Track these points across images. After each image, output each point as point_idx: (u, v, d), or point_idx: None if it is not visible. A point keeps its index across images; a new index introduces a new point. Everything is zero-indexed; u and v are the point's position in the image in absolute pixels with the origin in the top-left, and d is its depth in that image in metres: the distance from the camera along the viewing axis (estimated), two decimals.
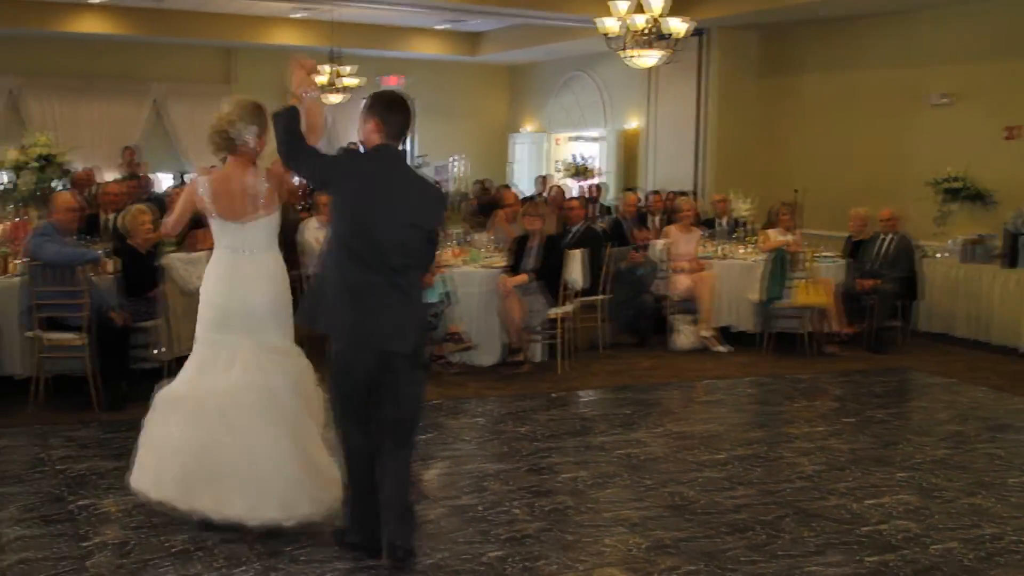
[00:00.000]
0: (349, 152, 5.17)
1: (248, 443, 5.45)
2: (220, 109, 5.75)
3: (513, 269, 9.95)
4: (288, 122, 5.17)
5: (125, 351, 8.33)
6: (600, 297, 10.92)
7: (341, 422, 5.26)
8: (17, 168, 9.16)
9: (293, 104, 5.28)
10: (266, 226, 5.73)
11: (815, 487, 6.74)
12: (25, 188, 9.17)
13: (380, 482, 5.10)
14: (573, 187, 19.57)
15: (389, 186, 5.05)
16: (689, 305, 11.54)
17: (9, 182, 9.73)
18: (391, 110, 5.15)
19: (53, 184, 10.18)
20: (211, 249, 9.18)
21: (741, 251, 12.19)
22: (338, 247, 5.09)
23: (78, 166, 15.68)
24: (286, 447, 5.49)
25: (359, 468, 5.18)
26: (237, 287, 5.67)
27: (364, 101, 5.25)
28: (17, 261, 8.75)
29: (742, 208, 13.04)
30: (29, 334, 8.23)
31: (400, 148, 5.27)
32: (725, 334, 11.54)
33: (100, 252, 8.65)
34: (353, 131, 23.15)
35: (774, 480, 6.87)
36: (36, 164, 9.04)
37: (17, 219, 10.02)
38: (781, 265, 11.06)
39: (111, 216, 10.79)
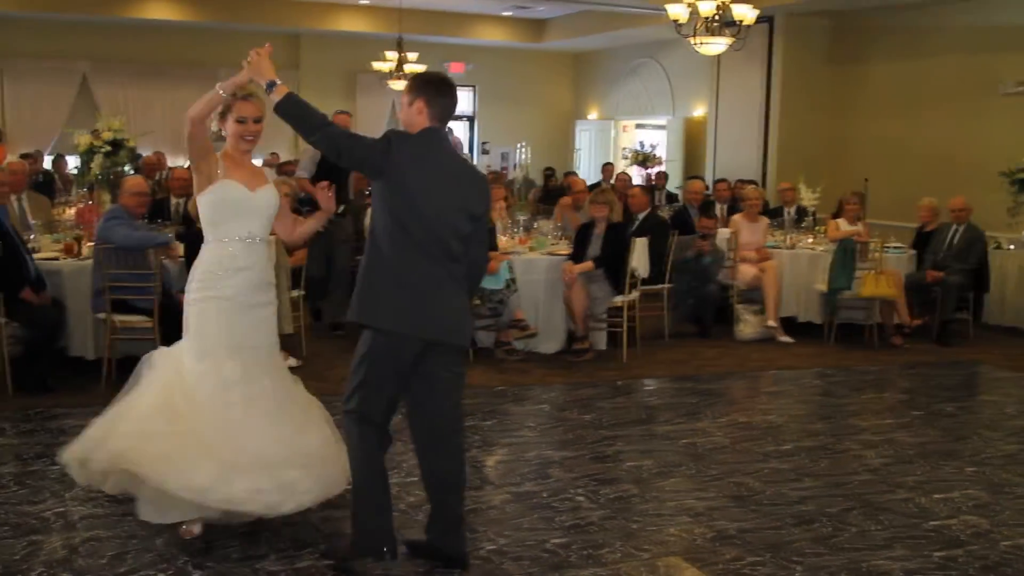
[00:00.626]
0: (399, 135, 4.84)
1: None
2: None
3: (577, 256, 9.93)
4: (302, 109, 4.84)
5: None
6: (664, 286, 10.88)
7: (357, 423, 4.92)
8: (90, 152, 9.28)
9: (284, 88, 4.86)
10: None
11: (882, 480, 6.67)
12: (97, 172, 9.29)
13: (433, 485, 5.05)
14: (637, 175, 19.50)
15: (443, 171, 4.85)
16: (754, 295, 11.46)
17: (83, 165, 9.85)
18: (439, 92, 4.89)
19: (124, 168, 10.30)
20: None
21: (808, 240, 12.08)
22: (392, 236, 4.77)
23: (147, 151, 15.89)
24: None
25: (378, 472, 4.98)
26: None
27: (408, 83, 4.98)
28: (88, 244, 8.86)
29: (809, 197, 12.92)
30: (99, 316, 8.34)
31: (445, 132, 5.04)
32: (790, 324, 11.45)
33: (169, 236, 8.74)
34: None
35: (840, 472, 6.81)
36: (107, 148, 9.15)
37: (88, 203, 10.15)
38: (849, 255, 10.95)
39: (180, 200, 10.91)
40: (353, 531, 5.01)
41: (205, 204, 5.30)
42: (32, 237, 9.26)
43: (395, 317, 4.79)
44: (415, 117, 4.88)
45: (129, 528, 5.44)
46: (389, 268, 4.79)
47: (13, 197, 9.57)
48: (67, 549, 5.15)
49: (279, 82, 4.89)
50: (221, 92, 5.17)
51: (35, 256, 8.59)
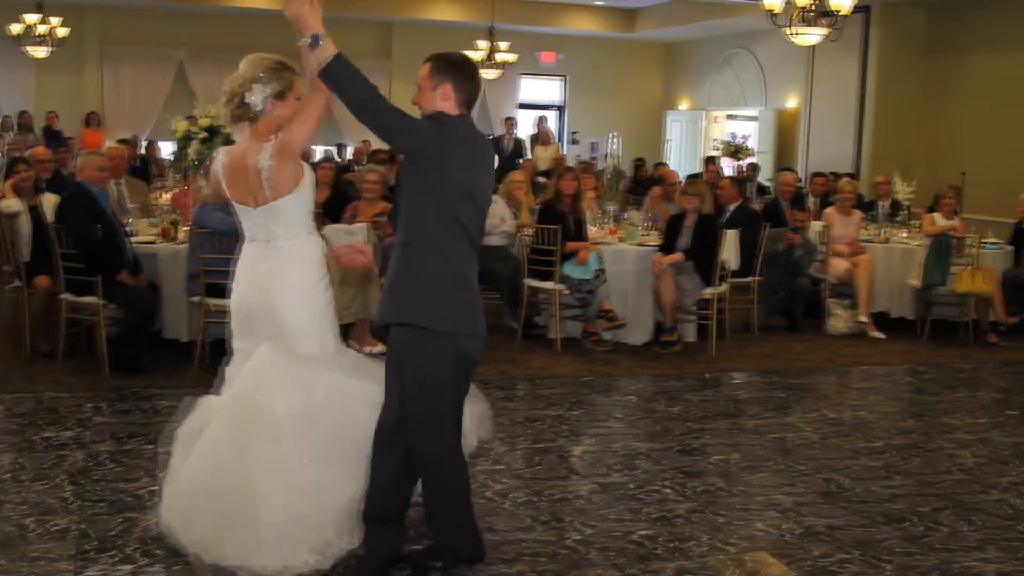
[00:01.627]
0: (451, 119, 4.37)
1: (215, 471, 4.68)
2: (240, 71, 4.83)
3: (668, 248, 9.88)
4: (354, 74, 4.30)
5: None
6: (754, 278, 10.79)
7: (448, 436, 4.59)
8: (186, 138, 9.41)
9: (333, 49, 4.29)
10: (283, 210, 4.79)
11: (975, 480, 6.56)
12: (193, 158, 9.42)
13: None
14: (728, 166, 19.34)
15: (484, 160, 4.57)
16: (846, 289, 11.32)
17: (179, 150, 9.99)
18: (466, 75, 4.48)
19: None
20: (371, 221, 9.38)
21: (902, 235, 11.90)
22: (449, 228, 4.38)
23: (240, 138, 16.07)
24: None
25: (463, 485, 4.72)
26: (255, 285, 4.88)
27: (428, 64, 4.50)
28: (184, 228, 9.00)
29: (904, 191, 12.72)
30: (194, 299, 8.48)
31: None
32: (882, 320, 11.30)
33: None
34: (507, 106, 23.27)
35: (932, 471, 6.71)
36: (204, 135, 9.28)
37: (184, 188, 10.31)
38: (945, 250, 10.77)
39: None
40: (457, 536, 4.79)
41: (306, 196, 4.89)
42: (129, 221, 9.43)
43: (469, 318, 4.49)
44: (439, 103, 4.45)
45: None
46: (442, 260, 4.42)
47: (112, 182, 9.74)
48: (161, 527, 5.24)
49: (324, 36, 4.28)
50: (307, 40, 4.31)
51: (132, 240, 8.76)
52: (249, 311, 4.93)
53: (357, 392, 4.81)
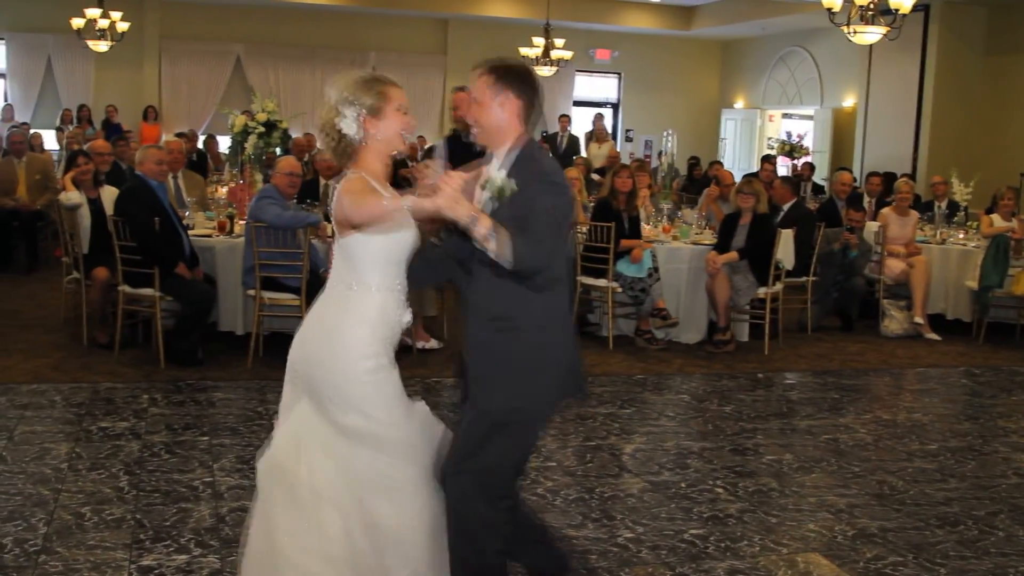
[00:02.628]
0: (544, 161, 3.83)
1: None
2: (324, 101, 3.98)
3: (722, 247, 9.84)
4: (534, 243, 3.64)
5: None
6: (808, 278, 10.72)
7: (505, 497, 3.98)
8: (244, 132, 9.50)
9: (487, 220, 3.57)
10: (343, 249, 3.92)
11: None
12: (250, 152, 9.51)
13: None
14: (783, 166, 19.21)
15: None
16: (901, 290, 11.22)
17: (236, 145, 10.09)
18: (537, 91, 3.95)
19: (276, 150, 10.53)
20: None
21: (959, 236, 11.78)
22: (554, 270, 3.89)
23: (297, 132, 16.22)
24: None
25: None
26: (309, 330, 4.00)
27: (488, 73, 3.90)
28: (240, 222, 9.08)
29: (961, 191, 12.59)
30: (250, 292, 8.54)
31: None
32: (938, 322, 11.19)
33: (319, 216, 8.90)
34: (562, 103, 23.26)
35: (988, 475, 6.64)
36: (261, 129, 9.36)
37: (241, 182, 10.40)
38: (1002, 252, 10.64)
39: (329, 182, 11.11)
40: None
41: (378, 243, 3.85)
42: (187, 214, 9.53)
43: (564, 370, 3.99)
44: (509, 120, 3.88)
45: None
46: (561, 313, 4.00)
47: (170, 175, 9.84)
48: (215, 518, 5.30)
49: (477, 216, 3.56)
50: (399, 208, 3.61)
51: (189, 233, 8.84)
52: (293, 356, 4.01)
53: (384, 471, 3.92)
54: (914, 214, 11.66)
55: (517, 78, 3.90)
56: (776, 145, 20.28)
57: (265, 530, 3.90)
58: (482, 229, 3.51)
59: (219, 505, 5.49)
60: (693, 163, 18.65)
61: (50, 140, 18.81)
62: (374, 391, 3.89)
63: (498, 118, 3.86)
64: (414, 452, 3.94)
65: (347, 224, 3.84)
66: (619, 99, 24.59)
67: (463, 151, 8.15)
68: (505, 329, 3.87)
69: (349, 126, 3.88)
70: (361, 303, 3.89)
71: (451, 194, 3.48)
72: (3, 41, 21.44)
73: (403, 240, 3.91)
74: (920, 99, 17.44)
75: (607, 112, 24.22)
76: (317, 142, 4.29)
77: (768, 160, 17.68)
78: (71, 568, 4.64)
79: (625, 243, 9.67)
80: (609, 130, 23.30)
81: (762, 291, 9.78)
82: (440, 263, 4.16)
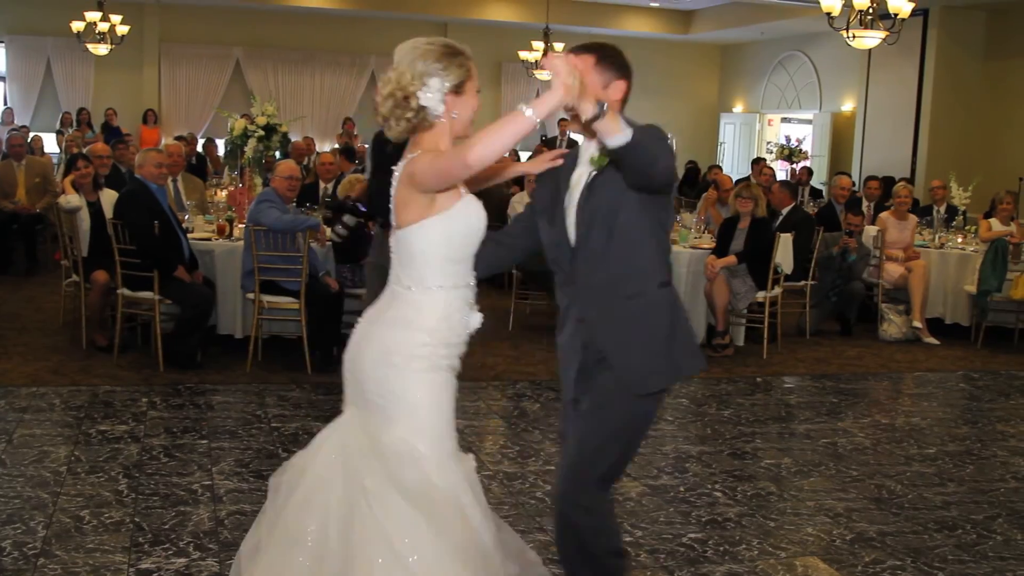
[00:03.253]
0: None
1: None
2: (394, 69, 3.52)
3: (721, 251, 9.84)
4: (656, 138, 3.44)
5: (337, 316, 8.56)
6: (807, 282, 10.72)
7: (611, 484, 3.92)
8: (243, 136, 9.51)
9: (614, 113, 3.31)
10: (406, 244, 3.55)
11: None
12: (250, 156, 9.53)
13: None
14: (781, 170, 19.24)
15: None
16: (900, 294, 11.23)
17: (235, 148, 10.11)
18: (631, 72, 3.80)
19: (275, 153, 10.55)
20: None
21: (958, 240, 11.79)
22: (665, 257, 3.83)
23: (296, 136, 16.23)
24: None
25: None
26: (358, 331, 3.68)
27: (589, 54, 3.69)
28: (240, 226, 9.08)
29: (960, 196, 12.60)
30: (249, 296, 8.55)
31: None
32: (936, 326, 11.20)
33: (318, 220, 8.91)
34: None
35: (986, 479, 6.64)
36: (261, 133, 9.37)
37: (240, 185, 10.41)
38: (1001, 256, 10.65)
39: (328, 185, 11.12)
40: None
41: (438, 233, 3.51)
42: (186, 218, 9.54)
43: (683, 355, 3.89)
44: (618, 102, 3.72)
45: None
46: (673, 294, 3.89)
47: (170, 179, 9.85)
48: (214, 521, 5.30)
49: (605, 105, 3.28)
50: (534, 117, 3.22)
51: (188, 236, 8.85)
52: (345, 363, 3.70)
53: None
54: (913, 218, 11.67)
55: (620, 59, 3.75)
56: (775, 149, 20.30)
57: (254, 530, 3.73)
58: (610, 118, 3.24)
59: (218, 508, 5.49)
60: (691, 167, 18.66)
61: (50, 143, 18.84)
62: (425, 392, 3.51)
63: (610, 94, 3.67)
64: (456, 512, 3.45)
65: (412, 205, 3.45)
66: None
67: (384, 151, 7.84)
68: (635, 295, 3.71)
69: (432, 100, 3.45)
70: (420, 305, 3.53)
71: (576, 83, 3.14)
72: (3, 44, 21.48)
73: (469, 229, 3.56)
74: (919, 103, 17.45)
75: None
76: (380, 108, 3.41)
77: (759, 162, 17.73)
78: (70, 571, 4.64)
79: None
80: None
81: (761, 295, 9.79)
82: (513, 246, 4.02)
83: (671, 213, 3.86)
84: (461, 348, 3.65)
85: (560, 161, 3.84)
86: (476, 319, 3.68)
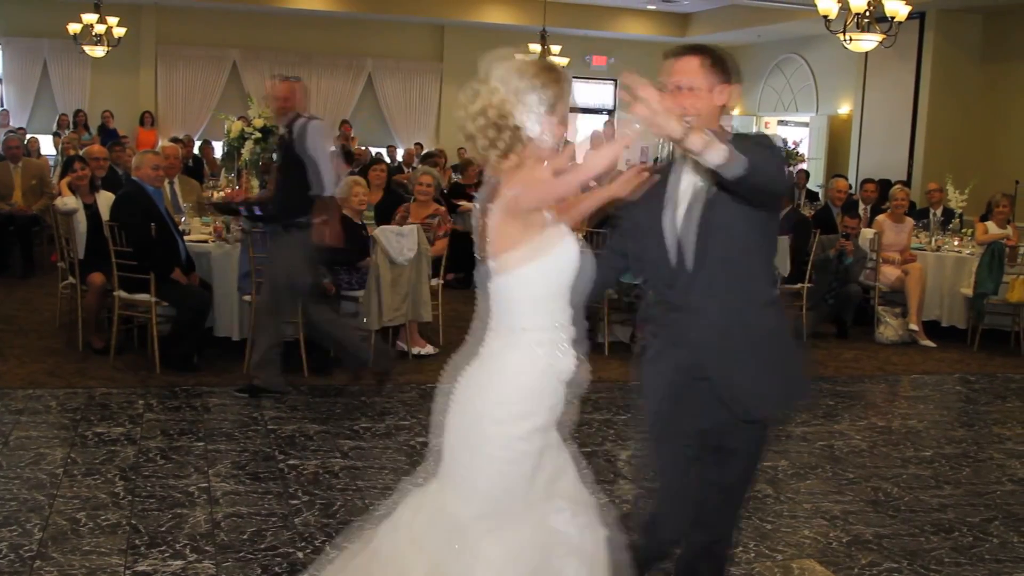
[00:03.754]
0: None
1: None
2: (483, 83, 3.18)
3: None
4: (768, 159, 3.23)
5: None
6: (804, 285, 10.72)
7: None
8: (240, 138, 9.49)
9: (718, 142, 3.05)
10: (496, 288, 3.24)
11: None
12: (246, 158, 9.51)
13: None
14: None
15: None
16: (896, 297, 11.24)
17: (232, 150, 10.08)
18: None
19: (272, 155, 10.53)
20: (422, 222, 9.39)
21: (955, 243, 11.80)
22: (773, 270, 3.74)
23: None
24: None
25: None
26: (445, 383, 3.37)
27: (699, 57, 3.51)
28: (237, 227, 9.07)
29: (957, 198, 12.61)
30: (246, 298, 8.54)
31: None
32: (933, 328, 11.20)
33: (316, 222, 8.89)
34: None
35: (982, 481, 6.65)
36: (258, 135, 9.36)
37: (237, 187, 10.40)
38: (997, 259, 10.66)
39: (467, 202, 11.12)
40: None
41: (538, 275, 3.19)
42: (183, 220, 9.53)
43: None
44: (724, 110, 3.56)
45: (269, 506, 5.57)
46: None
47: (166, 181, 9.85)
48: (210, 524, 5.30)
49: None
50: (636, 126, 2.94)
51: (185, 238, 8.84)
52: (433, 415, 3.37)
53: None
54: (909, 221, 11.68)
55: (729, 62, 3.54)
56: None
57: None
58: (700, 137, 2.99)
59: (214, 511, 5.49)
60: None
61: (46, 145, 18.83)
62: (511, 467, 3.17)
63: (709, 104, 3.49)
64: None
65: (511, 245, 3.12)
66: (615, 105, 24.59)
67: (290, 153, 7.57)
68: (758, 316, 3.56)
69: (529, 120, 3.12)
70: (512, 351, 3.19)
71: (656, 105, 2.87)
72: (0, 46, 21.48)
73: (565, 263, 3.21)
74: (915, 106, 17.46)
75: (603, 118, 24.22)
76: (468, 126, 3.03)
77: None
78: (66, 574, 4.64)
79: None
80: (605, 137, 23.33)
81: None
82: (611, 267, 3.85)
83: (778, 219, 3.72)
84: (557, 399, 3.24)
85: (656, 178, 3.58)
86: (573, 364, 3.26)
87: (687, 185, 3.55)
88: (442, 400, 3.32)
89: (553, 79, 3.16)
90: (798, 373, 3.73)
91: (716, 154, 3.00)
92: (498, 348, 3.22)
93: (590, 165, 2.95)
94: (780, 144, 2.99)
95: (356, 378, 8.09)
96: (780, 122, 22.79)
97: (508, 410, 3.17)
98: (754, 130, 22.81)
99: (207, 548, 4.99)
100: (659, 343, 3.67)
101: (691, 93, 3.45)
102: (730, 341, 3.53)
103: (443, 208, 10.34)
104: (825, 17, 12.43)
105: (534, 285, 3.17)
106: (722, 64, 3.50)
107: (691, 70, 3.46)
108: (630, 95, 2.92)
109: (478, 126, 3.14)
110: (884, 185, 14.24)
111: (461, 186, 14.16)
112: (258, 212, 8.36)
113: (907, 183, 16.08)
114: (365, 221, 9.16)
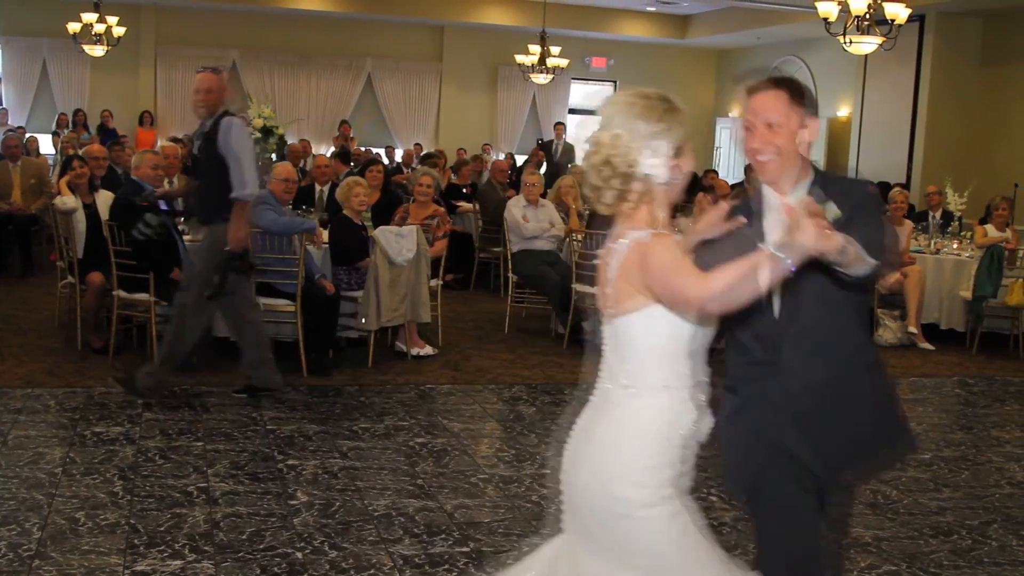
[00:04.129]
0: None
1: None
2: (605, 129, 2.96)
3: None
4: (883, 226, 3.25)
5: (333, 319, 8.56)
6: None
7: None
8: None
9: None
10: (627, 335, 3.01)
11: None
12: None
13: None
14: None
15: None
16: (895, 300, 11.24)
17: None
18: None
19: (272, 155, 10.55)
20: (421, 223, 9.39)
21: (954, 246, 11.80)
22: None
23: (292, 138, 16.23)
24: None
25: None
26: (571, 443, 3.18)
27: (779, 89, 3.29)
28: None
29: (956, 201, 12.62)
30: None
31: None
32: (932, 331, 11.19)
33: (315, 222, 8.91)
34: (558, 111, 23.30)
35: (981, 484, 6.65)
36: (258, 135, 9.37)
37: None
38: (996, 262, 10.66)
39: (324, 188, 11.12)
40: None
41: (665, 322, 2.96)
42: (182, 219, 9.52)
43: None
44: (807, 145, 3.36)
45: (268, 506, 5.57)
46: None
47: (166, 180, 9.85)
48: (209, 523, 5.29)
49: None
50: (790, 265, 2.67)
51: (184, 238, 8.83)
52: (562, 479, 3.20)
53: None
54: (908, 224, 11.67)
55: (809, 95, 3.36)
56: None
57: None
58: (850, 249, 2.86)
59: (213, 511, 5.48)
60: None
61: (46, 144, 18.82)
62: (654, 535, 2.98)
63: (799, 143, 3.31)
64: None
65: (634, 291, 2.92)
66: None
67: (212, 150, 7.35)
68: (864, 369, 3.45)
69: (657, 166, 2.93)
70: (638, 408, 2.98)
71: (815, 229, 2.64)
72: None
73: (682, 321, 2.96)
74: (915, 109, 17.47)
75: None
76: (591, 178, 2.93)
77: (750, 170, 17.69)
78: (65, 573, 4.64)
79: None
80: None
81: None
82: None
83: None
84: (683, 453, 3.06)
85: (742, 220, 3.36)
86: (707, 424, 3.10)
87: (772, 224, 3.33)
88: (565, 455, 3.16)
89: (677, 119, 2.97)
90: (899, 431, 3.63)
91: (862, 268, 2.96)
92: (620, 402, 3.01)
93: (727, 298, 2.74)
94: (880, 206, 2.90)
95: (131, 377, 7.60)
96: None
97: (639, 468, 2.97)
98: None
99: (206, 548, 4.98)
100: (738, 400, 3.48)
101: (780, 130, 3.27)
102: (824, 407, 3.38)
103: (442, 209, 10.34)
104: (825, 19, 12.43)
105: (655, 334, 2.96)
106: (806, 97, 3.34)
107: (779, 107, 3.28)
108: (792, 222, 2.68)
109: (602, 177, 2.94)
110: (883, 188, 14.23)
111: (456, 186, 14.17)
112: (165, 208, 8.22)
113: (906, 186, 16.08)
114: (364, 222, 9.17)
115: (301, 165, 14.36)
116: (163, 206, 8.23)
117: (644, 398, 2.97)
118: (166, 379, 7.56)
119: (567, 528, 3.13)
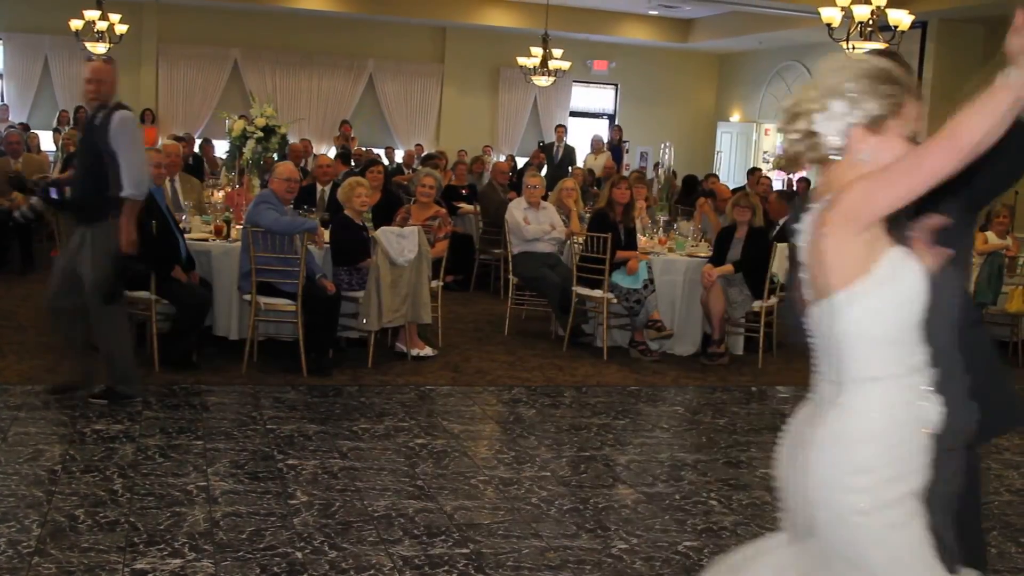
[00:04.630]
0: None
1: None
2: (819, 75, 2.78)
3: (718, 259, 9.84)
4: None
5: (334, 319, 8.56)
6: None
7: None
8: (242, 137, 9.50)
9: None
10: (828, 318, 2.73)
11: None
12: (248, 157, 9.52)
13: None
14: (778, 180, 19.23)
15: None
16: None
17: (234, 149, 10.09)
18: None
19: (274, 155, 10.54)
20: (423, 224, 9.39)
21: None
22: None
23: (293, 138, 16.22)
24: None
25: None
26: (795, 453, 2.86)
27: (887, 69, 2.75)
28: (237, 227, 9.07)
29: None
30: (246, 298, 8.53)
31: None
32: None
33: (316, 222, 8.91)
34: (559, 113, 23.32)
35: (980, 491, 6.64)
36: (260, 134, 9.36)
37: (238, 186, 10.40)
38: (996, 270, 10.67)
39: (326, 188, 11.11)
40: None
41: (878, 301, 2.66)
42: (183, 218, 9.52)
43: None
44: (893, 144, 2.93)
45: (268, 505, 5.57)
46: None
47: (167, 179, 9.84)
48: (209, 522, 5.29)
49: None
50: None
51: (186, 236, 8.83)
52: (786, 490, 2.92)
53: None
54: None
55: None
56: (772, 159, 20.30)
57: None
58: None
59: (213, 509, 5.48)
60: (690, 180, 18.65)
61: (46, 141, 18.81)
62: (879, 547, 2.64)
63: (914, 120, 2.90)
64: None
65: (849, 271, 2.63)
66: (616, 110, 24.61)
67: (92, 143, 7.10)
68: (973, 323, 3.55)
69: (828, 128, 2.70)
70: (855, 406, 2.69)
71: None
72: (1, 41, 21.43)
73: (913, 293, 2.68)
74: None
75: (603, 123, 24.25)
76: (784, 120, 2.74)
77: (755, 172, 17.73)
78: (64, 570, 4.63)
79: (621, 254, 9.68)
80: (605, 142, 23.37)
81: (757, 304, 9.79)
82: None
83: None
84: (920, 459, 2.71)
85: (952, 252, 3.12)
86: (933, 412, 2.73)
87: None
88: (793, 458, 2.87)
89: (881, 91, 2.70)
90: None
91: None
92: (846, 403, 2.71)
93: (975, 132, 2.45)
94: None
95: (85, 391, 7.41)
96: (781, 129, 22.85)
97: (873, 478, 2.65)
98: (754, 138, 22.85)
99: (206, 547, 4.98)
100: None
101: (904, 109, 2.80)
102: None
103: (443, 210, 10.33)
104: (828, 25, 12.45)
105: (881, 323, 2.66)
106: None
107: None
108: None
109: (784, 120, 2.81)
110: None
111: (454, 187, 14.17)
112: (55, 196, 7.82)
113: None
114: (365, 222, 9.17)
115: (302, 165, 14.38)
116: (53, 194, 7.91)
117: (858, 393, 2.69)
118: (134, 374, 7.47)
119: (797, 535, 2.87)
